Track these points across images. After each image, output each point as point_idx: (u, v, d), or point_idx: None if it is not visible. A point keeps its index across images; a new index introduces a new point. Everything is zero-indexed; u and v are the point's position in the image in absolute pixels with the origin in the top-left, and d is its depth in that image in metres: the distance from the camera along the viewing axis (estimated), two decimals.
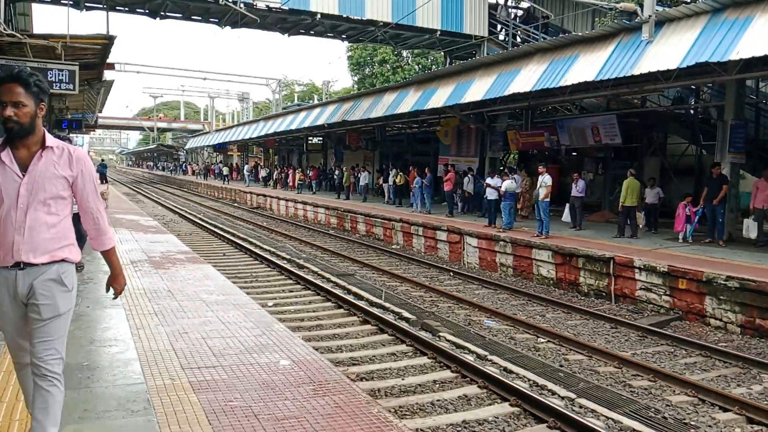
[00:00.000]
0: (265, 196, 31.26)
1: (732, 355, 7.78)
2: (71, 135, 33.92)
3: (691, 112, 16.23)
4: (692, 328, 9.39)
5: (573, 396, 6.06)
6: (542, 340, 8.48)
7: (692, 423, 5.67)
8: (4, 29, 11.57)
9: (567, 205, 15.72)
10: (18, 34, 12.10)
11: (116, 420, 3.74)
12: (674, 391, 6.63)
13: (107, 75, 18.38)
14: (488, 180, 16.33)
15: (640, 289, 10.62)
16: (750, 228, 12.52)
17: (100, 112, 33.56)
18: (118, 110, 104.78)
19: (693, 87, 15.73)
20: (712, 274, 9.35)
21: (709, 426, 5.66)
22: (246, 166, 43.29)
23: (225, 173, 46.21)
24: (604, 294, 11.29)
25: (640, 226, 14.74)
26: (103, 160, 49.50)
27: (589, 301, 11.30)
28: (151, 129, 71.43)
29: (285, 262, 13.86)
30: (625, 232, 13.69)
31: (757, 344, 8.47)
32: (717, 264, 10.18)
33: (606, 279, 11.24)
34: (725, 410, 6.08)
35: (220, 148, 51.69)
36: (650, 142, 17.43)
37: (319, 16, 23.23)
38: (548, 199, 13.73)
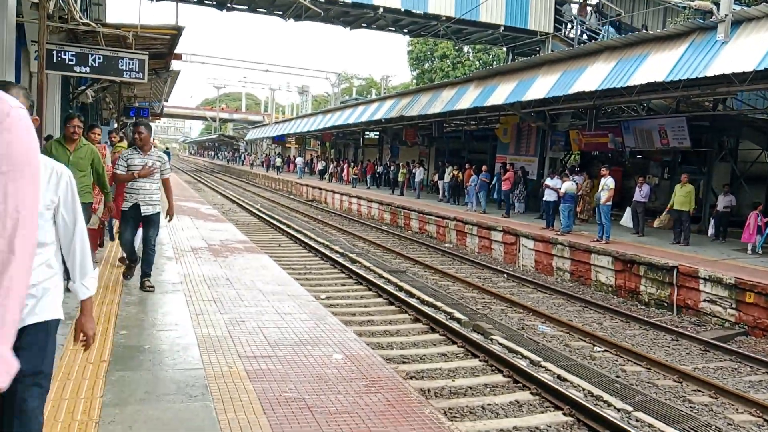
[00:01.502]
0: (320, 189, 31.62)
1: None
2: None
3: (766, 117, 15.40)
4: (758, 345, 8.94)
5: (629, 409, 5.87)
6: (599, 349, 8.25)
7: None
8: (81, 18, 12.04)
9: (628, 209, 15.22)
10: (92, 23, 12.58)
11: (175, 404, 3.84)
12: (737, 410, 6.34)
13: (174, 65, 18.91)
14: (547, 181, 15.99)
15: (705, 300, 10.18)
16: None
17: (166, 101, 34.64)
18: (182, 100, 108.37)
19: None
20: None
21: None
22: (299, 159, 43.92)
23: (278, 164, 47.10)
24: (665, 304, 10.89)
25: (708, 234, 14.16)
26: (167, 149, 51.16)
27: (650, 310, 10.92)
28: (214, 119, 73.31)
29: (338, 255, 13.97)
30: (681, 238, 13.21)
31: None
32: None
33: (668, 288, 10.83)
34: None
35: (279, 140, 52.61)
36: (721, 147, 16.66)
37: (381, 9, 23.23)
38: (610, 203, 13.34)
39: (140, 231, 7.03)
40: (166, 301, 6.41)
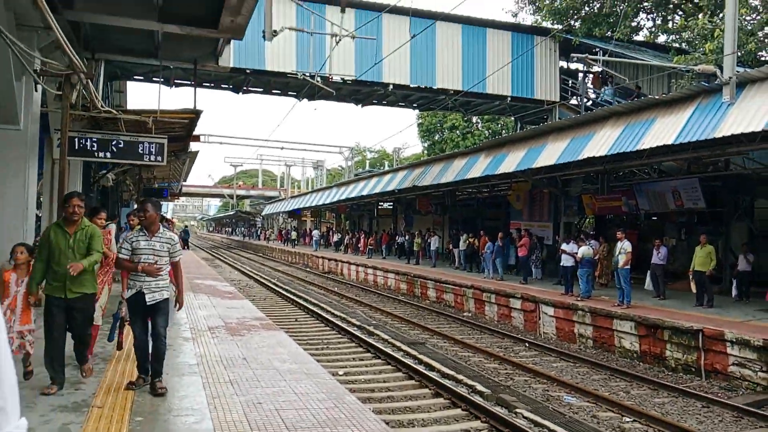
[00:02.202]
0: (336, 260, 31.67)
1: None
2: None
3: None
4: None
5: None
6: (627, 420, 7.96)
7: None
8: (102, 106, 12.56)
9: (648, 273, 15.03)
10: (114, 111, 13.11)
11: None
12: None
13: (192, 146, 19.48)
14: (563, 246, 15.91)
15: (733, 364, 9.86)
16: None
17: (185, 180, 35.48)
18: (200, 179, 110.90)
19: None
20: None
21: None
22: (315, 231, 44.32)
23: (293, 237, 47.57)
24: (693, 369, 10.55)
25: (732, 295, 13.89)
26: (186, 227, 51.87)
27: (677, 376, 10.58)
28: (231, 196, 74.66)
29: (355, 329, 13.83)
30: (704, 300, 12.95)
31: None
32: None
33: (695, 353, 10.52)
34: None
35: (295, 213, 53.23)
36: (736, 206, 16.57)
37: (391, 87, 24.01)
38: (629, 267, 13.20)
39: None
40: (183, 385, 6.34)
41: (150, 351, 5.89)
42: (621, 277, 13.06)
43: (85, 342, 6.17)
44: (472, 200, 29.51)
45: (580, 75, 26.13)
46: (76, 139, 12.38)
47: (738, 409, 8.37)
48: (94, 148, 12.75)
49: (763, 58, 20.94)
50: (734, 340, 9.83)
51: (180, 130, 14.91)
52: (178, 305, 6.18)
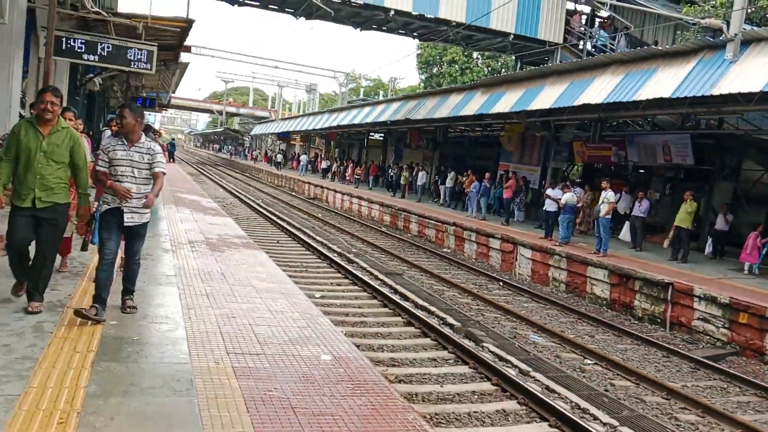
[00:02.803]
0: (322, 187, 31.65)
1: None
2: (145, 113, 35.24)
3: None
4: (749, 366, 8.94)
5: (615, 423, 5.88)
6: (589, 362, 8.25)
7: None
8: (92, 6, 12.09)
9: (627, 224, 15.23)
10: (103, 12, 12.63)
11: (159, 398, 3.86)
12: (723, 430, 6.35)
13: (183, 57, 18.99)
14: (548, 191, 15.99)
15: (698, 319, 10.18)
16: None
17: (174, 92, 34.74)
18: (190, 92, 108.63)
19: None
20: None
21: None
22: (303, 156, 44.02)
23: (279, 160, 47.24)
24: (658, 320, 10.89)
25: (705, 252, 14.17)
26: (173, 140, 51.19)
27: (642, 326, 10.92)
28: (220, 113, 73.46)
29: (336, 255, 13.99)
30: (679, 255, 13.23)
31: None
32: None
33: (662, 305, 10.83)
34: None
35: (284, 136, 52.68)
36: (724, 165, 16.64)
37: (392, 12, 23.23)
38: (609, 216, 13.34)
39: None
40: (159, 293, 6.42)
41: (113, 276, 5.29)
42: (601, 226, 13.23)
43: (47, 266, 5.20)
44: (464, 138, 29.31)
45: (584, 17, 25.45)
46: (64, 39, 11.99)
47: (696, 361, 8.70)
48: (82, 50, 12.37)
49: None
50: (702, 296, 10.11)
51: (171, 38, 14.46)
52: (145, 202, 5.18)
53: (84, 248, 6.25)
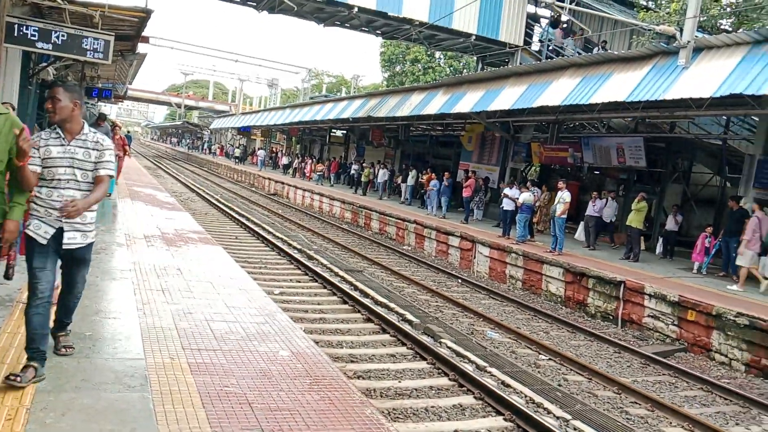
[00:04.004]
0: (283, 183, 31.39)
1: (734, 393, 7.68)
2: (100, 104, 34.31)
3: (719, 142, 15.98)
4: (696, 361, 9.27)
5: (568, 417, 6.02)
6: (543, 357, 8.43)
7: None
8: None
9: (582, 224, 15.60)
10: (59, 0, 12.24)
11: (111, 393, 3.78)
12: (671, 423, 6.57)
13: (141, 48, 18.53)
14: (506, 190, 16.25)
15: (648, 316, 10.51)
16: (767, 267, 12.32)
17: (131, 83, 33.88)
18: (148, 83, 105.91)
19: (724, 117, 15.49)
20: (722, 309, 9.22)
21: None
22: (261, 151, 43.61)
23: (237, 155, 46.81)
24: (611, 317, 11.19)
25: (656, 252, 14.63)
26: (128, 132, 49.90)
27: (595, 322, 11.20)
28: (179, 105, 71.99)
29: (295, 251, 13.91)
30: (631, 254, 13.65)
31: (760, 384, 8.35)
32: (728, 299, 10.04)
33: (614, 302, 11.14)
34: None
35: (245, 131, 52.00)
36: (675, 168, 17.21)
37: (356, 9, 23.20)
38: (565, 216, 13.64)
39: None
40: (113, 288, 6.28)
41: (50, 317, 3.96)
42: (556, 225, 13.51)
43: None
44: (426, 137, 29.48)
45: (544, 21, 25.92)
46: (16, 26, 11.55)
47: (646, 357, 8.98)
48: (35, 38, 11.95)
49: (722, 26, 21.26)
50: (653, 294, 10.44)
51: (129, 28, 14.12)
52: (67, 207, 3.76)
53: (7, 276, 4.69)
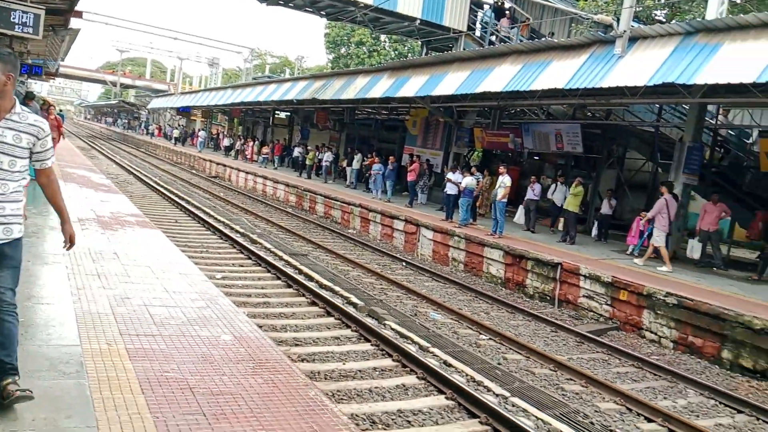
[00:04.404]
0: (224, 166, 30.77)
1: (662, 369, 8.10)
2: (30, 81, 32.56)
3: (652, 130, 16.66)
4: (628, 339, 9.72)
5: (507, 394, 6.21)
6: (484, 337, 8.65)
7: (617, 430, 5.89)
8: None
9: (521, 207, 15.99)
10: None
11: (46, 381, 3.65)
12: (604, 398, 6.87)
13: (74, 23, 17.73)
14: (449, 175, 16.46)
15: (583, 296, 10.92)
16: (694, 248, 13.00)
17: (63, 60, 32.36)
18: (81, 60, 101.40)
19: (657, 105, 16.15)
20: (652, 289, 9.68)
21: None
22: (201, 132, 42.62)
23: (175, 135, 45.73)
24: (548, 298, 11.57)
25: (592, 235, 15.17)
26: (61, 111, 47.66)
27: (534, 303, 11.56)
28: (114, 84, 69.20)
29: (238, 235, 13.70)
30: (568, 237, 14.13)
31: (687, 360, 8.83)
32: (658, 280, 10.55)
33: (552, 283, 11.51)
34: (650, 420, 6.34)
35: (184, 111, 50.50)
36: (610, 154, 17.83)
37: None
38: (505, 200, 13.94)
39: None
40: (45, 273, 6.03)
41: None
42: (497, 209, 13.80)
43: None
44: (371, 120, 29.45)
45: (486, 6, 26.20)
46: None
47: (581, 335, 9.35)
48: None
49: (656, 17, 22.06)
50: (587, 275, 10.84)
51: (60, 2, 13.47)
52: (68, 242, 3.66)
53: None
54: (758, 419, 6.83)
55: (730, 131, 17.16)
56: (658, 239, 12.10)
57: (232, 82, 52.14)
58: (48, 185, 3.56)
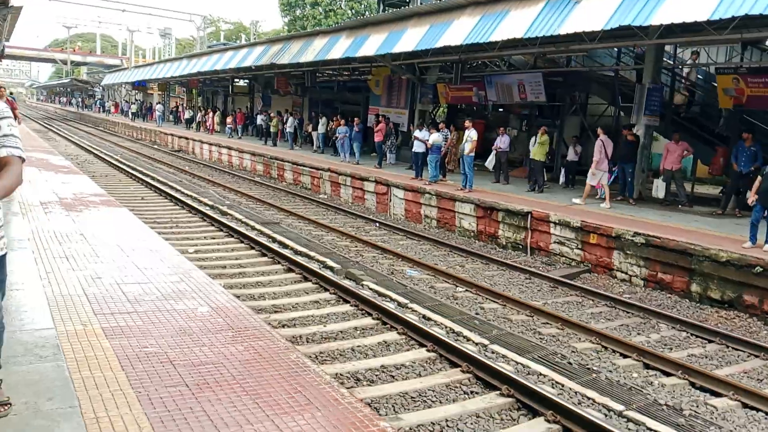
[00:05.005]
0: (187, 138, 30.14)
1: (634, 306, 8.35)
2: None
3: (612, 74, 16.79)
4: (600, 281, 9.97)
5: (486, 342, 6.35)
6: (461, 290, 8.78)
7: (594, 368, 6.09)
8: None
9: (493, 153, 15.90)
10: None
11: (23, 366, 3.60)
12: (580, 339, 7.06)
13: (14, 0, 16.92)
14: (416, 133, 16.41)
15: (554, 242, 11.12)
16: (659, 188, 13.29)
17: (7, 41, 30.99)
18: (27, 40, 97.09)
19: (615, 49, 16.23)
20: (621, 230, 9.90)
21: (609, 371, 6.08)
22: (158, 105, 41.63)
23: (132, 111, 44.80)
24: (520, 247, 11.76)
25: (560, 182, 15.36)
26: (11, 94, 45.86)
27: (507, 253, 11.74)
28: (65, 62, 66.72)
29: (207, 208, 13.53)
30: (536, 186, 14.31)
31: (657, 296, 9.12)
32: (626, 221, 10.78)
33: (523, 232, 11.68)
34: (625, 356, 6.56)
35: (140, 85, 49.07)
36: (572, 101, 17.95)
37: None
38: (473, 154, 13.98)
39: None
40: (11, 260, 5.85)
41: None
42: (465, 163, 13.85)
43: None
44: (333, 83, 29.02)
45: None
46: None
47: (554, 280, 9.55)
48: None
49: None
50: (557, 222, 11.02)
51: None
52: None
53: None
54: (728, 347, 7.12)
55: (698, 75, 17.36)
56: (596, 178, 12.75)
57: (187, 52, 50.67)
58: (5, 174, 2.82)
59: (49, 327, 4.23)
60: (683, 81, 17.52)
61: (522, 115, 20.33)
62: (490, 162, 15.93)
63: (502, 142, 15.52)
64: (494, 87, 17.82)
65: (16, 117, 15.57)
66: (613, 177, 13.68)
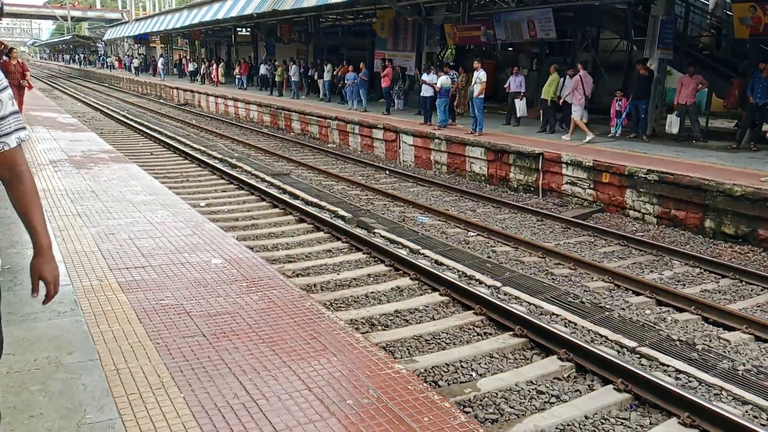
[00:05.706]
0: (192, 92, 29.87)
1: (647, 244, 8.33)
2: None
3: (624, 6, 16.22)
4: (612, 220, 9.93)
5: (499, 285, 6.38)
6: (472, 234, 8.78)
7: (607, 306, 6.12)
8: None
9: (517, 101, 15.23)
10: None
11: (42, 321, 3.67)
12: (592, 278, 7.08)
13: None
14: (424, 76, 16.08)
15: (566, 183, 11.02)
16: (672, 123, 13.03)
17: None
18: None
19: None
20: (633, 168, 9.78)
21: (622, 309, 6.11)
22: (160, 59, 41.11)
23: (135, 65, 44.35)
24: (532, 189, 11.68)
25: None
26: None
27: (518, 195, 11.67)
28: (65, 18, 65.70)
29: (217, 161, 13.50)
30: (547, 127, 14.08)
31: (671, 233, 9.08)
32: (639, 158, 10.64)
33: (535, 174, 11.58)
34: (637, 294, 6.58)
35: (142, 39, 48.33)
36: (584, 37, 17.46)
37: None
38: (483, 96, 13.73)
39: None
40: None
41: None
42: (475, 105, 13.62)
43: None
44: (338, 28, 28.39)
45: None
46: None
47: (566, 221, 9.52)
48: None
49: None
50: (569, 162, 10.89)
51: None
52: (37, 290, 2.16)
53: None
54: (741, 281, 7.11)
55: (725, 11, 16.66)
56: (575, 113, 12.78)
57: (188, 2, 49.60)
58: (12, 182, 2.00)
59: (65, 283, 4.28)
60: (708, 18, 16.90)
61: (532, 54, 19.83)
62: (522, 110, 15.36)
63: (515, 82, 15.17)
64: (503, 25, 17.33)
65: (27, 80, 14.93)
66: (625, 114, 13.44)
